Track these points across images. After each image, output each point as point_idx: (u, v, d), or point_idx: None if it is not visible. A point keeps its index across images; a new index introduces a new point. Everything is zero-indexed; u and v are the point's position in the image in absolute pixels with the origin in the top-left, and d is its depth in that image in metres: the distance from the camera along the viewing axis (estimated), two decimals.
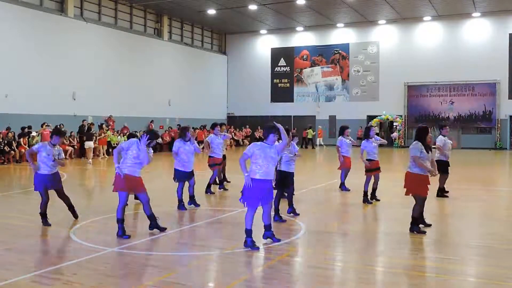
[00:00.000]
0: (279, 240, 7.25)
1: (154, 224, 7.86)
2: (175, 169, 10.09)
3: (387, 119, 33.66)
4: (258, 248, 6.84)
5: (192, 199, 10.22)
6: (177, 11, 32.00)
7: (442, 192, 11.63)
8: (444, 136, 11.58)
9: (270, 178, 6.96)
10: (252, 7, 30.37)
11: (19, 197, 12.13)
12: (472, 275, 6.12)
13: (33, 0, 24.04)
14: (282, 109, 36.71)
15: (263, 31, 37.49)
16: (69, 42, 25.28)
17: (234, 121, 37.55)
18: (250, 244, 6.83)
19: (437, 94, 33.03)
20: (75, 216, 8.76)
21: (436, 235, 8.02)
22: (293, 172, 9.24)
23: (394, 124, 33.47)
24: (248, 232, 6.88)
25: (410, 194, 8.03)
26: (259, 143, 6.99)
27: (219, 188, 12.67)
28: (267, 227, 7.22)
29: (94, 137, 22.90)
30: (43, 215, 8.47)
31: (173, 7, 31.03)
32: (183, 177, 10.03)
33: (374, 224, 9.27)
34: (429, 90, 33.20)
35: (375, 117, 33.29)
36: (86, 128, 22.82)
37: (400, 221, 8.77)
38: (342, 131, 12.71)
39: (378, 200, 10.90)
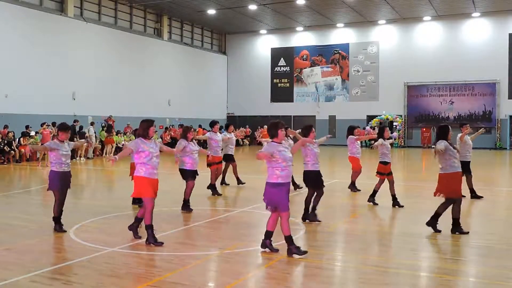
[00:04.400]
0: (277, 250, 6.93)
1: (135, 226, 7.45)
2: (183, 169, 9.90)
3: (387, 119, 33.66)
4: (277, 250, 6.70)
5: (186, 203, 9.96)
6: (177, 11, 32.00)
7: (474, 193, 11.52)
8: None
9: (290, 180, 6.72)
10: (252, 7, 30.37)
11: (19, 197, 12.11)
12: (472, 275, 6.12)
13: (33, 0, 24.03)
14: (282, 109, 36.68)
15: (263, 31, 37.49)
16: (69, 42, 25.27)
17: (234, 121, 37.52)
18: (269, 245, 6.68)
19: (437, 94, 33.02)
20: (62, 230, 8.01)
21: (436, 234, 8.00)
22: (312, 171, 8.91)
23: (394, 124, 33.48)
24: (271, 234, 6.69)
25: (441, 195, 7.89)
26: (273, 143, 6.57)
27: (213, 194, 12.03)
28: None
29: (87, 136, 22.95)
30: (58, 219, 7.91)
31: (173, 7, 31.02)
32: (193, 173, 9.94)
33: (374, 224, 9.25)
34: (429, 90, 33.19)
35: (375, 117, 33.29)
36: (78, 128, 22.92)
37: (400, 221, 8.77)
38: (352, 130, 12.31)
39: (376, 204, 10.72)
